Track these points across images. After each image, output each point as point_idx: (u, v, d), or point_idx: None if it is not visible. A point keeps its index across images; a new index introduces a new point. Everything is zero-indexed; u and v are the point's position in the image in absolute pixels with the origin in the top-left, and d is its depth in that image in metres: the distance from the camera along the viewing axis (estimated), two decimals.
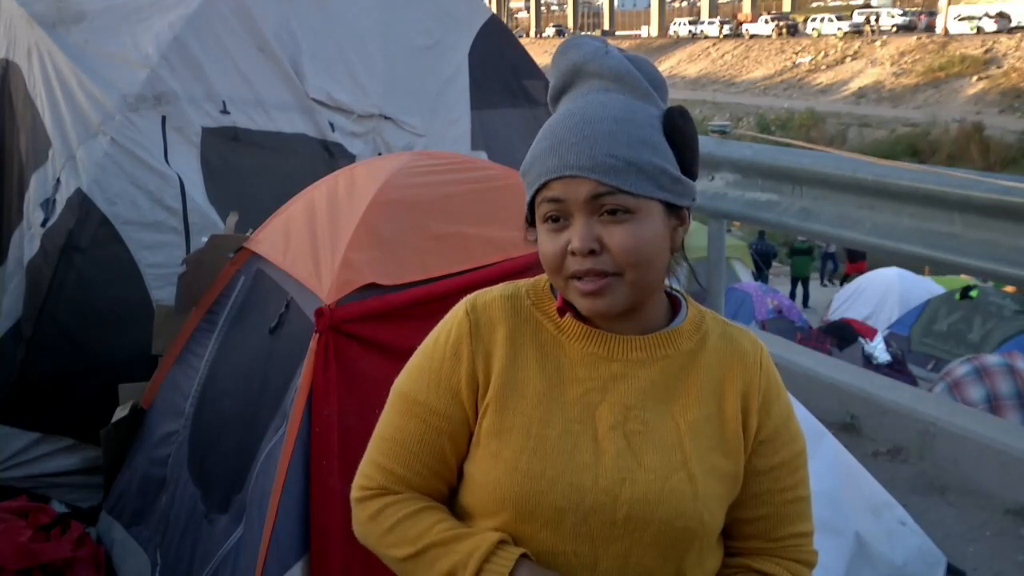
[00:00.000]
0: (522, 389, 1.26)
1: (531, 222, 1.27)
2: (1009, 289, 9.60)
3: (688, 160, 1.23)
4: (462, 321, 1.30)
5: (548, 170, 1.20)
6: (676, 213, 1.24)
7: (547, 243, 1.22)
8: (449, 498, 1.34)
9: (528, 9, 78.70)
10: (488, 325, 1.29)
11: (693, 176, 1.25)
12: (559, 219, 1.20)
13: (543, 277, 1.33)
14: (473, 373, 1.28)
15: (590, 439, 1.24)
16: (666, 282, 1.30)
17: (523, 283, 1.34)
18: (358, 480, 1.34)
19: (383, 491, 1.31)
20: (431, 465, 1.30)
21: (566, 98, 1.26)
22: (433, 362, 1.30)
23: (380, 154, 4.02)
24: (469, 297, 1.33)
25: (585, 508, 1.21)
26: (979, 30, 40.34)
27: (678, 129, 1.22)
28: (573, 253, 1.19)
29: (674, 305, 1.33)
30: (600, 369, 1.26)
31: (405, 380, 1.34)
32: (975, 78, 36.18)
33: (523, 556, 1.21)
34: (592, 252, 1.18)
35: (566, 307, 1.27)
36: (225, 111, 3.81)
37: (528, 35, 70.18)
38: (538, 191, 1.22)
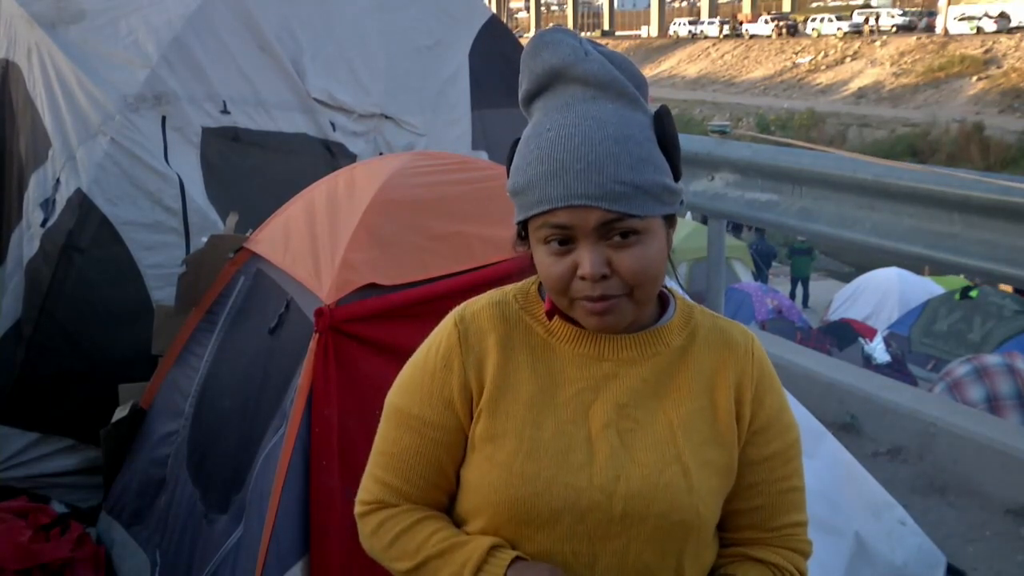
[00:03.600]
0: (514, 393, 1.26)
1: (522, 235, 1.26)
2: (1007, 288, 9.60)
3: (677, 163, 1.23)
4: (451, 332, 1.30)
5: (552, 198, 1.17)
6: (670, 218, 1.25)
7: (552, 265, 1.20)
8: (450, 507, 1.34)
9: (528, 9, 78.70)
10: (478, 333, 1.29)
11: (679, 177, 1.24)
12: (564, 242, 1.19)
13: (531, 281, 1.33)
14: (465, 383, 1.28)
15: (583, 439, 1.24)
16: None
17: (511, 288, 1.34)
18: (359, 495, 1.36)
19: (381, 505, 1.32)
20: (428, 477, 1.30)
21: (544, 104, 1.21)
22: (425, 375, 1.30)
23: (381, 154, 4.02)
24: (457, 308, 1.33)
25: (581, 507, 1.22)
26: (979, 30, 40.31)
27: (669, 135, 1.22)
28: (583, 278, 1.18)
29: (662, 301, 1.33)
30: (592, 369, 1.26)
31: (398, 394, 1.34)
32: (975, 78, 36.14)
33: (516, 559, 1.21)
34: (603, 276, 1.18)
35: (554, 309, 1.27)
36: (225, 111, 3.80)
37: (528, 35, 70.16)
38: (537, 215, 1.19)
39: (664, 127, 1.22)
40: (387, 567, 1.32)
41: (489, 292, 1.35)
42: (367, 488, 1.35)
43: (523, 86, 1.24)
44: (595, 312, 1.19)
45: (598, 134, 1.16)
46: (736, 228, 16.49)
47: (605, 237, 1.17)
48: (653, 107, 1.25)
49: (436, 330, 1.34)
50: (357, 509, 1.35)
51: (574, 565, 1.22)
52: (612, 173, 1.15)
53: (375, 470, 1.34)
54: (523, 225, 1.24)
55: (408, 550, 1.27)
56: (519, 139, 1.25)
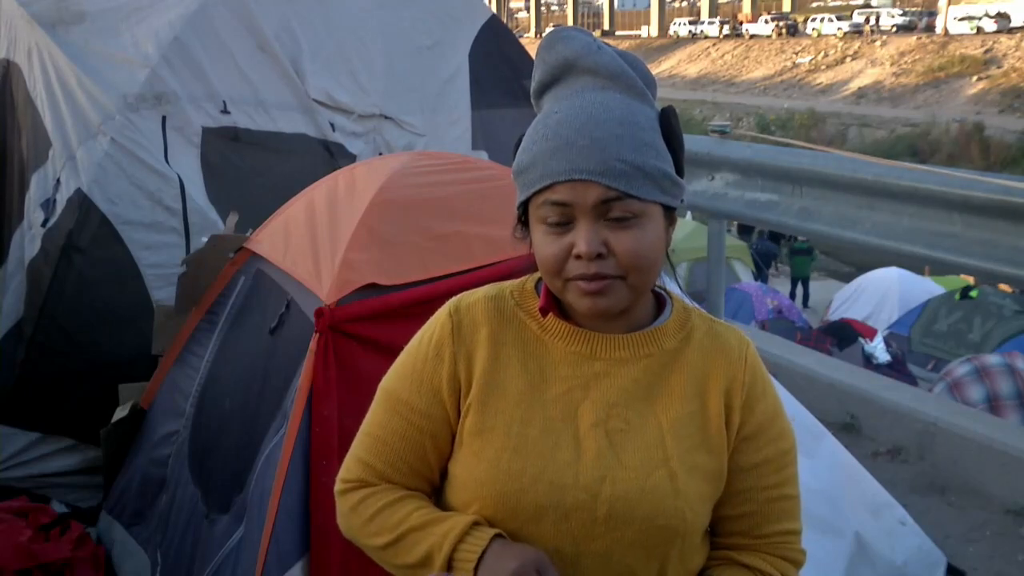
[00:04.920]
0: (504, 388, 1.26)
1: (522, 221, 1.27)
2: (1006, 288, 9.60)
3: (680, 160, 1.25)
4: (445, 322, 1.31)
5: (554, 173, 1.18)
6: (670, 214, 1.25)
7: (548, 245, 1.20)
8: (433, 499, 1.34)
9: (528, 9, 78.67)
10: (471, 326, 1.29)
11: (682, 175, 1.25)
12: (562, 222, 1.19)
13: (529, 278, 1.34)
14: (455, 374, 1.28)
15: (571, 437, 1.24)
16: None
17: (508, 284, 1.34)
18: (340, 474, 1.36)
19: (362, 483, 1.33)
20: (411, 463, 1.31)
21: (555, 94, 1.24)
22: (417, 362, 1.31)
23: (380, 154, 4.02)
24: (453, 299, 1.34)
25: (566, 506, 1.21)
26: (979, 30, 40.32)
27: (673, 131, 1.23)
28: (578, 257, 1.18)
29: (659, 303, 1.33)
30: (583, 368, 1.26)
31: (390, 378, 1.35)
32: (975, 78, 36.15)
33: (497, 536, 1.21)
34: (599, 256, 1.18)
35: (549, 306, 1.27)
36: (225, 111, 3.81)
37: (528, 35, 70.15)
38: (538, 192, 1.21)
39: (670, 124, 1.23)
40: (363, 544, 1.32)
41: (486, 286, 1.35)
42: (348, 467, 1.35)
43: (536, 78, 1.26)
44: (588, 292, 1.19)
45: (604, 115, 1.18)
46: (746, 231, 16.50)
47: (603, 216, 1.18)
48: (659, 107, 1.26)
49: (431, 319, 1.34)
50: (337, 487, 1.36)
51: (557, 564, 1.22)
52: (615, 151, 1.16)
53: (359, 451, 1.34)
54: (524, 209, 1.25)
55: (388, 524, 1.27)
56: (524, 133, 1.26)
